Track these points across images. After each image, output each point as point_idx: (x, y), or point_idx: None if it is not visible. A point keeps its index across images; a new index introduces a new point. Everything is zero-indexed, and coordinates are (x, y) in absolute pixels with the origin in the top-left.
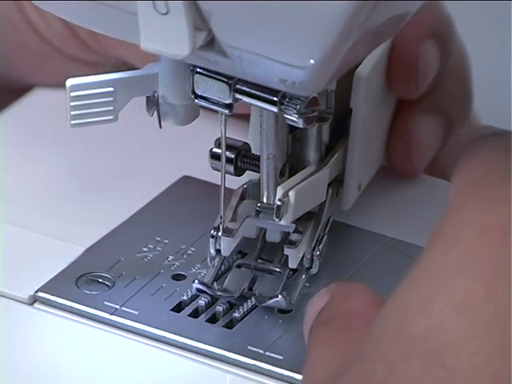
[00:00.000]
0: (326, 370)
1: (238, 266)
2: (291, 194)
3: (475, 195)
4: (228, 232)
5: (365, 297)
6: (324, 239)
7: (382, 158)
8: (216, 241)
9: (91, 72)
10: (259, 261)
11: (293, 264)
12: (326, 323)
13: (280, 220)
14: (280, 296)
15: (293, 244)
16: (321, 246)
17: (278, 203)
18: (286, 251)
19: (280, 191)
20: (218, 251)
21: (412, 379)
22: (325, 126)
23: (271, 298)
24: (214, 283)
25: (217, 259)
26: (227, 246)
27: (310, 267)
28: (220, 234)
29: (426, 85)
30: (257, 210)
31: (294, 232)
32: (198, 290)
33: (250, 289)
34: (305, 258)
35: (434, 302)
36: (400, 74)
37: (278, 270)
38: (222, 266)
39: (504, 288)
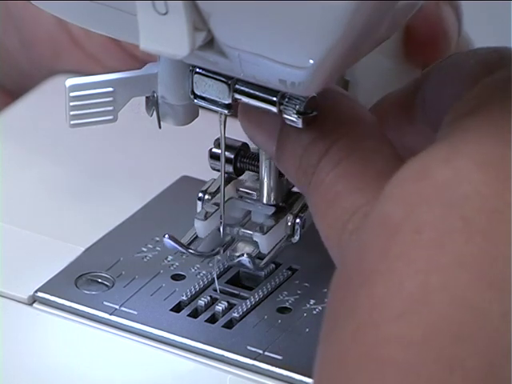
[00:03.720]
0: (352, 209)
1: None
2: None
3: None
4: (203, 214)
5: (356, 106)
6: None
7: None
8: (203, 203)
9: None
10: (242, 229)
11: (263, 249)
12: (332, 140)
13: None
14: (245, 255)
15: (262, 230)
16: (303, 214)
17: None
18: (255, 237)
19: None
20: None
21: (429, 223)
22: None
23: (239, 257)
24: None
25: None
26: (201, 228)
27: (292, 235)
28: (207, 197)
29: (451, 52)
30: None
31: (272, 215)
32: (168, 244)
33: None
34: (286, 225)
35: (460, 153)
36: (424, 39)
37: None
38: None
39: None
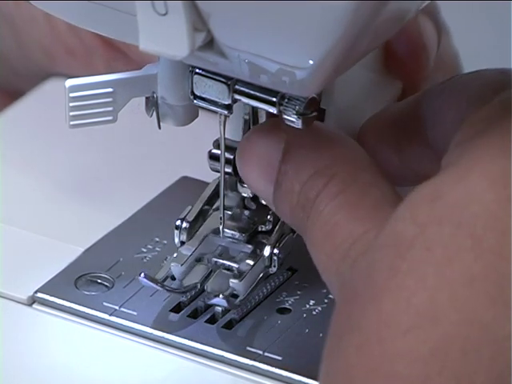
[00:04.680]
0: (352, 238)
1: (198, 260)
2: None
3: None
4: (180, 259)
5: (349, 143)
6: (286, 239)
7: None
8: (180, 232)
9: None
10: (219, 258)
11: (240, 294)
12: (330, 175)
13: None
14: (221, 296)
15: (238, 276)
16: (281, 245)
17: None
18: (231, 283)
19: None
20: (183, 243)
21: (440, 243)
22: None
23: (216, 297)
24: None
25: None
26: (178, 272)
27: (269, 266)
28: (184, 225)
29: (431, 65)
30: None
31: (250, 256)
32: (144, 283)
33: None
34: (264, 256)
35: (471, 174)
36: (403, 53)
37: (236, 267)
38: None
39: None
